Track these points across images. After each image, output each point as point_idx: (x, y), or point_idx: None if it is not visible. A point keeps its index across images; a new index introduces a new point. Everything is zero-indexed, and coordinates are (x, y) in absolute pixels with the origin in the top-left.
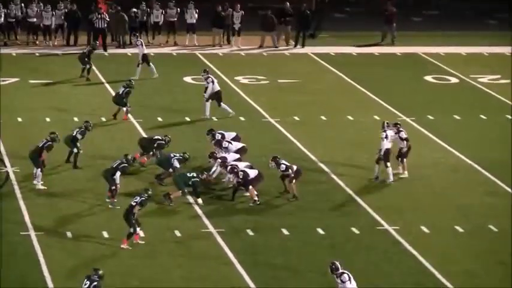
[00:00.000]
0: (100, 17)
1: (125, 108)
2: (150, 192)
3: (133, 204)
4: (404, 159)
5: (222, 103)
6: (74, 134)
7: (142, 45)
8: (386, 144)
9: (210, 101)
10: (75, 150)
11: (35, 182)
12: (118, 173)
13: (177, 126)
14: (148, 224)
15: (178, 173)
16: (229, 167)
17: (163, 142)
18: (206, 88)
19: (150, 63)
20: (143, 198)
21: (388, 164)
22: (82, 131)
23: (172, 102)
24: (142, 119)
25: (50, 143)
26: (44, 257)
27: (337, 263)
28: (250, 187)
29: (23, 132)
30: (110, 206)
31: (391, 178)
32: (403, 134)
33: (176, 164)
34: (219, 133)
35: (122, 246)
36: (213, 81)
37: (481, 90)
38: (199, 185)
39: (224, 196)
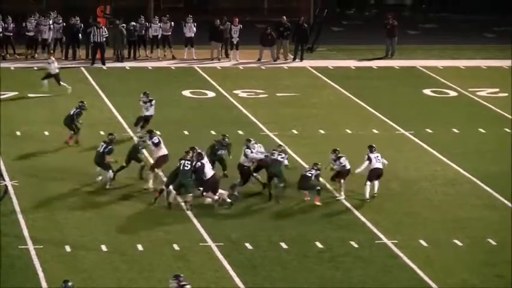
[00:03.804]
0: (99, 31)
1: (72, 131)
2: (319, 165)
3: (309, 175)
4: (342, 180)
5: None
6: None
7: (54, 62)
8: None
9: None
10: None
11: (108, 186)
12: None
13: (175, 140)
14: (146, 237)
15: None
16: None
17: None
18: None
19: (61, 82)
20: (315, 169)
21: (368, 183)
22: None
23: (171, 116)
24: (141, 132)
25: (110, 147)
26: (43, 270)
27: None
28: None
29: (22, 145)
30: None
31: (367, 196)
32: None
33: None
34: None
35: (316, 202)
36: (152, 105)
37: (480, 104)
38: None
39: (223, 210)
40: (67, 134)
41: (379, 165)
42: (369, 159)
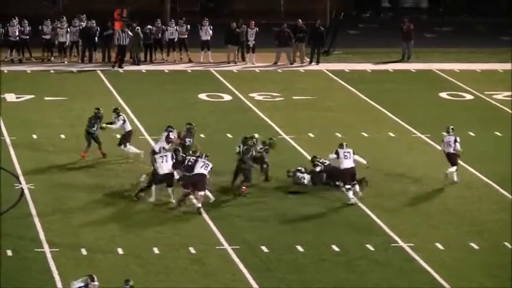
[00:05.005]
0: (123, 34)
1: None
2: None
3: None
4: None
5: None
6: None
7: None
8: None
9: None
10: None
11: None
12: None
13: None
14: (163, 240)
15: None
16: None
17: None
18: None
19: None
20: None
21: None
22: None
23: (187, 119)
24: (158, 136)
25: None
26: (59, 273)
27: None
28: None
29: (38, 149)
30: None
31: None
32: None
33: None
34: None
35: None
36: (124, 120)
37: (496, 107)
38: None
39: (239, 212)
40: (98, 150)
41: (449, 150)
42: (443, 141)
